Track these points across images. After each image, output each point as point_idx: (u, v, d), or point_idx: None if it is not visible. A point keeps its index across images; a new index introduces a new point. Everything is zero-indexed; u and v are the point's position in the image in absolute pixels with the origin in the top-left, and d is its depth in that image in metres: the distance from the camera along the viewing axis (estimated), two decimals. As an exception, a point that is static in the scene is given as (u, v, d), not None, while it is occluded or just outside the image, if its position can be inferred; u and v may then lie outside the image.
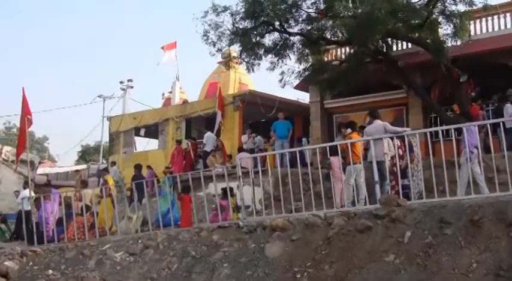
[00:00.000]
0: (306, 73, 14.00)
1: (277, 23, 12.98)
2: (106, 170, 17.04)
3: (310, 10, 12.97)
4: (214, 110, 18.06)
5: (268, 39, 13.44)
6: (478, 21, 13.88)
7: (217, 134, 17.56)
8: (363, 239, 6.46)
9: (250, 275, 6.71)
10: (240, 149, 15.74)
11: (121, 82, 28.53)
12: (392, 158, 8.61)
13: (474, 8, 11.99)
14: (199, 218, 10.48)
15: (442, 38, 12.16)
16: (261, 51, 13.38)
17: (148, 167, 16.51)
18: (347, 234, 6.59)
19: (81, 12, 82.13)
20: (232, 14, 12.92)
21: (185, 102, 20.56)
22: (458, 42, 12.39)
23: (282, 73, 13.83)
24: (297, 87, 15.97)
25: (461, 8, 11.90)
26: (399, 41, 14.53)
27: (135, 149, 22.07)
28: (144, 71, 78.08)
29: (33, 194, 11.72)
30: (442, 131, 7.75)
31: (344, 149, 8.67)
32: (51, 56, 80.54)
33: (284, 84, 14.03)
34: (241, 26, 13.02)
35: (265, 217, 8.28)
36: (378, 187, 7.91)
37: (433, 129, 8.86)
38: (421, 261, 5.85)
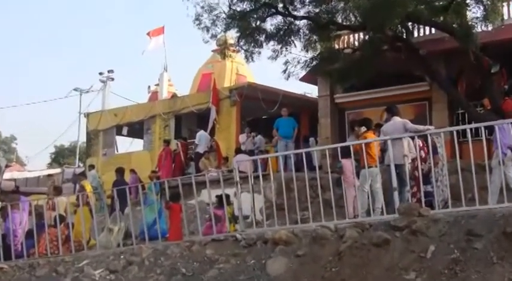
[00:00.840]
0: (314, 63, 14.02)
1: (280, 5, 13.00)
2: (83, 174, 17.04)
3: (318, -11, 13.01)
4: (208, 106, 18.11)
5: (270, 24, 13.49)
6: (512, 3, 13.91)
7: (212, 133, 17.61)
8: (379, 254, 6.46)
9: (250, 295, 6.71)
10: (238, 151, 15.77)
11: (100, 73, 28.64)
12: (413, 160, 8.60)
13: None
14: (191, 230, 10.48)
15: (470, 23, 12.16)
16: (262, 38, 13.41)
17: (132, 171, 16.56)
18: (361, 248, 6.59)
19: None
20: (228, -6, 12.96)
21: (174, 96, 20.63)
22: (489, 27, 12.40)
23: (286, 63, 13.86)
24: (303, 79, 16.00)
25: (493, -13, 11.93)
26: (421, 26, 14.55)
27: (117, 151, 22.15)
28: (127, 61, 78.22)
29: (-1, 202, 11.72)
30: (471, 129, 7.74)
31: (358, 151, 8.67)
32: (20, 43, 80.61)
33: (288, 76, 14.06)
34: (239, 9, 13.07)
35: (266, 229, 8.27)
36: (396, 194, 7.92)
37: (460, 127, 8.90)
38: (447, 279, 5.85)
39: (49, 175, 26.58)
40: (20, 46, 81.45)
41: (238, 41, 13.74)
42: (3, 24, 79.26)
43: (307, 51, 13.86)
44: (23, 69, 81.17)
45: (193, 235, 9.68)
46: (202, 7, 13.15)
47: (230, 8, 13.09)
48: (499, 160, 7.91)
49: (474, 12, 12.35)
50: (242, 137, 17.19)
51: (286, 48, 13.57)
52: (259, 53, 13.66)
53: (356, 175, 9.12)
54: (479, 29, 12.31)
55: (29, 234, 10.23)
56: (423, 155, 8.92)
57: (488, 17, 12.00)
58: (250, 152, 15.66)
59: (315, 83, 17.01)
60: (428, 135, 8.36)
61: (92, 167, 18.89)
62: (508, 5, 13.83)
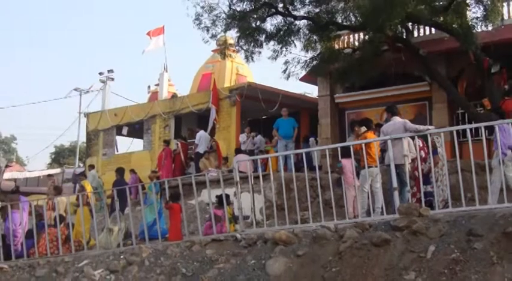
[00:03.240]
0: (314, 63, 14.04)
1: (280, 5, 13.01)
2: (83, 174, 17.07)
3: (318, -10, 13.02)
4: (208, 106, 18.11)
5: (270, 24, 13.50)
6: (512, 3, 13.91)
7: (212, 133, 17.61)
8: (379, 254, 6.46)
9: (250, 295, 6.71)
10: (238, 151, 15.77)
11: (100, 73, 28.61)
12: (414, 160, 8.61)
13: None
14: (191, 230, 10.48)
15: (470, 23, 12.17)
16: (262, 38, 13.42)
17: (132, 171, 16.55)
18: (361, 248, 6.60)
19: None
20: (229, -6, 12.97)
21: (174, 96, 20.62)
22: (489, 27, 12.41)
23: (286, 63, 13.88)
24: (303, 79, 16.01)
25: (493, -13, 11.93)
26: (421, 26, 14.56)
27: (117, 151, 22.14)
28: (127, 61, 78.23)
29: (-1, 202, 11.72)
30: (471, 129, 7.74)
31: (358, 151, 8.67)
32: (20, 43, 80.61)
33: (288, 76, 14.08)
34: (239, 9, 13.08)
35: (266, 229, 8.28)
36: (396, 194, 7.92)
37: (460, 127, 8.89)
38: (447, 279, 5.85)
39: (49, 175, 26.53)
40: (20, 46, 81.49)
41: (238, 41, 13.75)
42: (4, 24, 79.33)
43: (307, 51, 13.88)
44: (23, 69, 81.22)
45: (193, 235, 9.68)
46: (203, 7, 13.18)
47: (230, 8, 13.10)
48: (499, 160, 7.90)
49: (474, 12, 12.40)
50: (242, 137, 17.19)
51: (286, 48, 13.58)
52: (259, 53, 13.69)
53: (356, 175, 9.12)
54: (479, 29, 12.33)
55: (29, 234, 10.23)
56: (423, 155, 8.92)
57: (488, 17, 12.01)
58: (250, 152, 15.67)
59: (315, 83, 17.02)
60: (428, 135, 8.36)
61: (92, 167, 18.88)
62: (508, 5, 13.84)
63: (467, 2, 12.21)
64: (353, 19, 13.17)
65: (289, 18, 13.37)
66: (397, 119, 9.16)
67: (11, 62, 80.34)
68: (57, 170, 27.71)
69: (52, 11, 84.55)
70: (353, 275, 6.35)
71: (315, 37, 13.58)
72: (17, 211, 10.50)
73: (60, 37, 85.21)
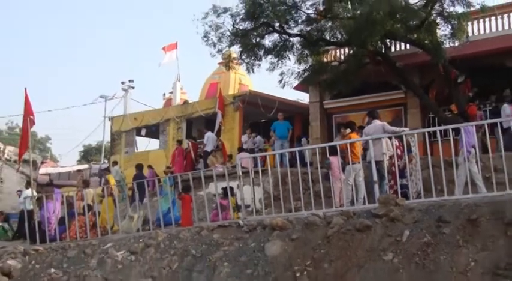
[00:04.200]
0: (306, 74, 14.00)
1: (277, 24, 12.98)
2: (107, 169, 17.07)
3: (309, 11, 12.99)
4: (215, 111, 18.06)
5: (268, 40, 13.45)
6: (475, 22, 13.87)
7: (218, 134, 17.56)
8: (361, 238, 6.45)
9: (250, 273, 6.71)
10: (240, 149, 15.75)
11: (122, 83, 28.44)
12: (391, 157, 8.60)
13: (472, 9, 11.98)
14: (200, 218, 10.47)
15: (440, 39, 12.15)
16: (261, 52, 13.37)
17: (150, 166, 16.51)
18: (346, 233, 6.59)
19: (82, 12, 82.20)
20: (232, 16, 12.93)
21: (186, 102, 20.56)
22: (456, 43, 12.39)
23: (282, 74, 13.84)
24: (296, 88, 15.96)
25: (459, 9, 11.91)
26: (398, 42, 14.53)
27: (137, 149, 22.07)
28: (146, 72, 78.13)
29: (35, 193, 11.72)
30: (440, 131, 7.76)
31: (343, 149, 8.67)
32: (54, 56, 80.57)
33: (284, 85, 14.03)
34: (241, 27, 13.03)
35: (265, 216, 8.27)
36: (376, 186, 7.91)
37: (431, 129, 8.88)
38: (420, 260, 5.85)
39: (78, 170, 26.61)
40: (54, 59, 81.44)
41: (240, 55, 13.71)
42: (40, 38, 79.26)
43: (299, 64, 13.84)
44: (56, 80, 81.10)
45: (202, 222, 9.67)
46: (210, 26, 13.13)
47: (234, 27, 13.06)
48: (465, 157, 7.91)
49: (443, 30, 12.35)
50: (244, 138, 17.16)
51: (282, 61, 13.54)
52: (259, 65, 13.63)
53: (342, 170, 9.11)
54: (447, 45, 12.30)
55: (61, 221, 10.25)
56: (399, 153, 8.91)
57: (455, 35, 12.00)
58: (251, 151, 15.63)
59: (307, 91, 16.97)
60: (404, 136, 8.37)
61: (115, 163, 18.84)
62: (472, 24, 13.81)
63: (437, 21, 12.18)
64: (339, 36, 13.14)
65: (284, 36, 13.34)
66: (377, 122, 9.15)
67: (45, 71, 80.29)
68: (85, 166, 27.63)
69: (82, 30, 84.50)
70: (339, 256, 6.35)
71: (306, 52, 13.55)
72: (51, 201, 10.52)
73: (89, 52, 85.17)
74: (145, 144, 24.44)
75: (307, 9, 12.93)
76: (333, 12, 11.94)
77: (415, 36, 12.33)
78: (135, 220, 10.23)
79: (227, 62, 14.74)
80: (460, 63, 12.39)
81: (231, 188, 10.28)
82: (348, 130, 9.66)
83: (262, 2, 12.37)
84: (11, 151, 23.70)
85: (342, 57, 15.10)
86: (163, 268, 7.49)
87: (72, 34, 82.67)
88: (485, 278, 5.43)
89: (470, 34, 13.21)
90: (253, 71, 13.79)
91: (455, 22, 11.77)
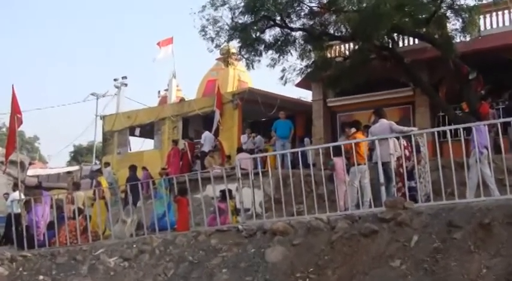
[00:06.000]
0: (308, 70, 14.00)
1: (278, 18, 12.97)
2: (99, 171, 17.07)
3: (312, 4, 13.00)
4: (213, 109, 18.07)
5: (269, 35, 13.44)
6: (487, 15, 13.87)
7: (216, 134, 17.56)
8: (367, 243, 6.45)
9: (250, 281, 6.70)
10: (240, 150, 15.73)
11: (115, 80, 28.56)
12: (399, 158, 8.60)
13: (484, 2, 11.99)
14: (197, 222, 10.46)
15: (450, 34, 12.16)
16: (261, 47, 13.37)
17: (144, 168, 16.52)
18: (351, 238, 6.59)
19: (71, 8, 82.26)
20: (231, 9, 12.92)
21: (182, 100, 20.58)
22: (467, 38, 12.39)
23: (283, 70, 13.83)
24: (298, 85, 15.97)
25: (471, 2, 11.94)
26: (405, 37, 14.53)
27: (130, 150, 22.08)
28: (139, 68, 78.16)
29: (23, 196, 11.71)
30: (451, 130, 7.74)
31: (348, 150, 8.66)
32: (43, 53, 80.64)
33: (285, 82, 14.03)
34: (240, 21, 13.02)
35: (265, 221, 8.27)
36: (383, 189, 7.91)
37: (441, 128, 8.85)
38: (429, 266, 5.84)
39: (68, 172, 26.58)
40: (43, 56, 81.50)
41: (239, 50, 13.70)
42: (27, 35, 79.32)
43: (302, 59, 13.83)
44: (45, 77, 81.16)
45: (199, 226, 9.68)
46: (208, 19, 13.13)
47: (232, 20, 13.06)
48: (476, 158, 7.90)
49: (454, 24, 12.36)
50: (243, 138, 17.16)
51: (283, 57, 13.53)
52: (259, 61, 13.61)
53: (346, 171, 9.11)
54: (458, 40, 12.31)
55: (50, 225, 10.25)
56: (407, 153, 8.90)
57: (466, 29, 12.00)
58: (251, 151, 15.63)
59: (310, 89, 16.98)
60: (412, 135, 8.37)
61: (107, 164, 18.85)
62: (485, 18, 13.81)
63: (447, 15, 12.18)
64: (344, 30, 13.14)
65: (286, 30, 13.34)
66: (383, 121, 9.15)
67: (33, 68, 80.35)
68: (76, 168, 27.65)
69: (72, 26, 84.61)
70: (343, 263, 6.35)
71: (309, 47, 13.55)
72: (40, 204, 10.52)
73: (79, 48, 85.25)
74: (139, 144, 24.48)
75: (310, 2, 12.94)
76: (337, 4, 11.94)
77: (424, 30, 12.33)
78: (128, 224, 10.23)
79: (225, 58, 14.73)
80: (471, 59, 12.38)
81: (230, 191, 10.28)
82: (353, 130, 9.65)
83: (262, -6, 12.37)
84: (-3, 151, 23.71)
85: (347, 52, 15.10)
86: (158, 275, 7.49)
87: (62, 30, 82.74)
88: (498, 285, 5.43)
89: (482, 28, 13.21)
90: (253, 67, 13.78)
91: (467, 15, 11.77)
